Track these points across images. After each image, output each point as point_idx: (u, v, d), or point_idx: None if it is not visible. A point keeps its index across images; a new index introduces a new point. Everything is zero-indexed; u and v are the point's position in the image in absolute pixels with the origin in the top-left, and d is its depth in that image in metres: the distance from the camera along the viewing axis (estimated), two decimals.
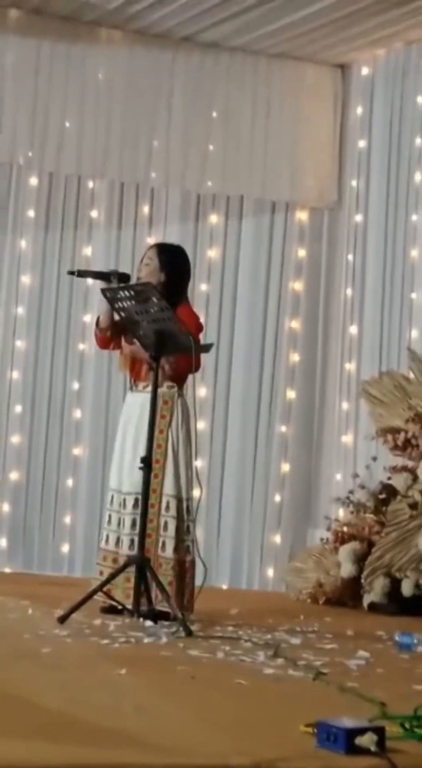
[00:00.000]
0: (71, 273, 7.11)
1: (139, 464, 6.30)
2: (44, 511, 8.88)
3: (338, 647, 5.89)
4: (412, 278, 8.65)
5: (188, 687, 4.69)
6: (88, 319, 8.75)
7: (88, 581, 6.64)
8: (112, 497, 6.68)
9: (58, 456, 8.92)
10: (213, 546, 9.03)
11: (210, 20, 8.55)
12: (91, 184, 9.07)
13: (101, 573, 6.56)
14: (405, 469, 7.85)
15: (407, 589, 7.53)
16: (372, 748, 3.58)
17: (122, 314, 6.48)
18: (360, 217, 9.19)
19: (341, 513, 8.37)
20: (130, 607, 6.25)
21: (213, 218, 9.32)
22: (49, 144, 8.72)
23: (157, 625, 6.06)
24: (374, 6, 8.08)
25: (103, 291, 6.54)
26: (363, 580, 7.66)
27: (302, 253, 9.48)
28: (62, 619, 6.00)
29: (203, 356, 6.81)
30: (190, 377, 6.64)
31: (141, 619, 6.16)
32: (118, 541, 6.59)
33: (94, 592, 6.22)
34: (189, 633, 5.90)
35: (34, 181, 8.92)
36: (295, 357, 9.43)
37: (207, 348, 6.81)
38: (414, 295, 8.62)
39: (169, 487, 6.54)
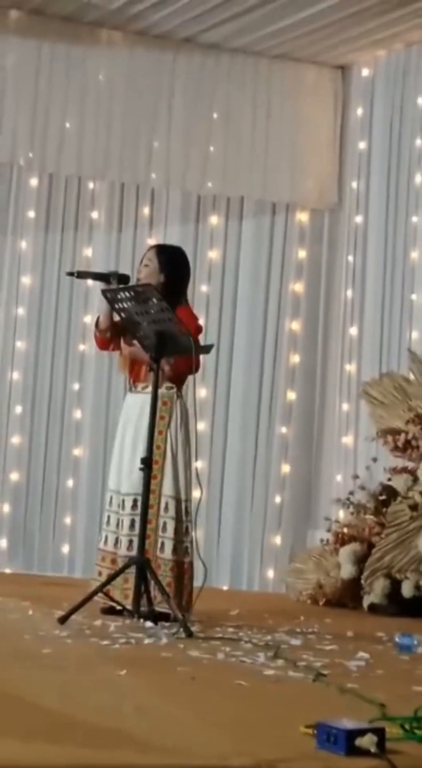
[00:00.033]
0: (70, 274, 7.12)
1: (138, 465, 6.31)
2: (44, 511, 8.88)
3: (338, 648, 5.88)
4: (412, 279, 8.66)
5: (188, 688, 4.69)
6: (89, 320, 8.75)
7: (88, 582, 6.64)
8: (111, 498, 6.68)
9: (59, 457, 8.92)
10: (214, 547, 9.02)
11: (211, 21, 8.56)
12: (91, 185, 9.07)
13: (100, 574, 6.56)
14: (405, 470, 7.85)
15: (407, 590, 7.53)
16: (372, 750, 3.58)
17: (122, 315, 6.48)
18: (361, 219, 9.19)
19: (341, 514, 8.37)
20: (129, 607, 6.26)
21: (214, 219, 9.32)
22: (49, 145, 8.72)
23: (157, 626, 6.06)
24: (374, 7, 8.08)
25: (104, 292, 6.54)
26: (363, 582, 7.66)
27: (302, 254, 9.48)
28: (62, 620, 5.99)
29: (203, 357, 6.81)
30: (191, 378, 6.63)
31: (141, 620, 6.16)
32: (116, 541, 6.59)
33: (95, 593, 6.22)
34: (189, 634, 5.90)
35: (34, 181, 8.93)
36: (295, 358, 9.43)
37: (207, 349, 6.81)
38: (414, 297, 8.62)
39: (167, 488, 6.54)
